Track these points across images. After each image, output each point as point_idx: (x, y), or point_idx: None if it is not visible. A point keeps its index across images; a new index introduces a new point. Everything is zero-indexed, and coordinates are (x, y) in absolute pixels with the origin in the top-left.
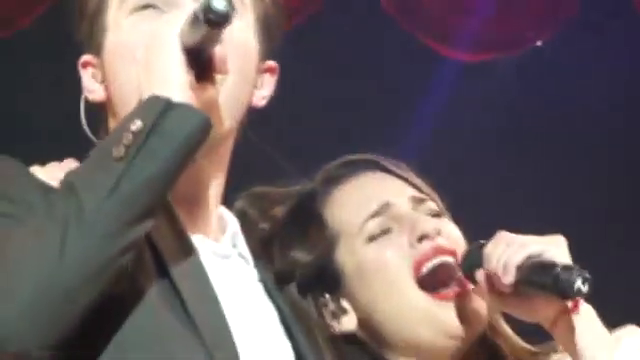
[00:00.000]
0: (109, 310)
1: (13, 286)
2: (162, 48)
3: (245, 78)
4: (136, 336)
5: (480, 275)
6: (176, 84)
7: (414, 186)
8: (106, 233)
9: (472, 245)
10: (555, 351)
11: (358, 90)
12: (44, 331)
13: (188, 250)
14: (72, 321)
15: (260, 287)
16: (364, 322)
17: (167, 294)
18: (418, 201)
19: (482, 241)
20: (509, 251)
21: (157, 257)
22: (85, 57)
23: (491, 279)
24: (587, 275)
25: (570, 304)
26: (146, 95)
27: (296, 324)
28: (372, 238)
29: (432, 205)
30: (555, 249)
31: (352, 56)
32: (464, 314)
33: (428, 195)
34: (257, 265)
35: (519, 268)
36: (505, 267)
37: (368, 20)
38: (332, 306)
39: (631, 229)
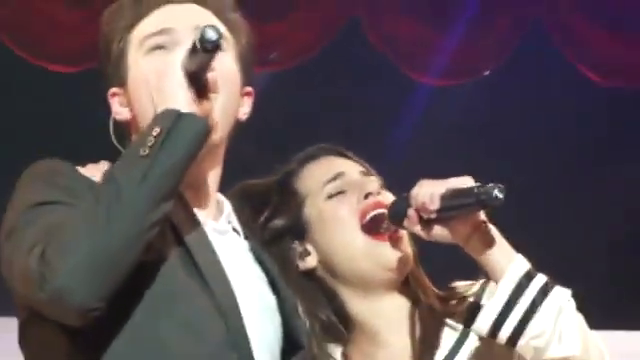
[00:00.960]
0: (142, 271)
1: (72, 255)
2: (169, 74)
3: (232, 97)
4: (164, 291)
5: (411, 212)
6: (182, 100)
7: (364, 167)
8: (139, 210)
9: (396, 198)
10: (459, 294)
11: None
12: (97, 288)
13: (198, 227)
14: (119, 277)
15: (250, 255)
16: (323, 260)
17: (185, 261)
18: (366, 174)
19: (404, 194)
20: (432, 187)
21: (175, 233)
22: (113, 89)
23: (418, 213)
24: (501, 185)
25: (481, 221)
26: (159, 109)
27: (282, 287)
28: (330, 196)
29: (377, 179)
30: (467, 182)
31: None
32: (395, 252)
33: (374, 175)
34: (247, 237)
35: (442, 197)
36: (431, 197)
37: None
38: (299, 249)
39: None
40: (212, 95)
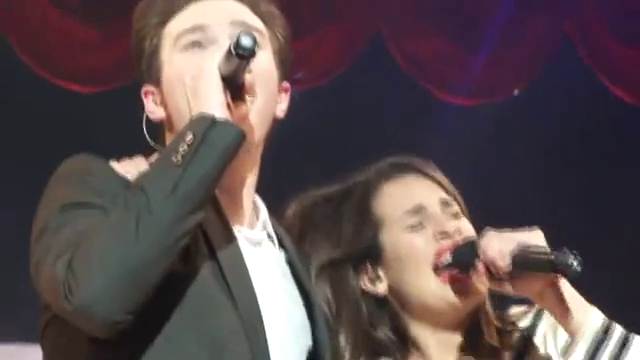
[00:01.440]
0: (171, 281)
1: (100, 267)
2: (205, 78)
3: (270, 97)
4: (191, 304)
5: (480, 265)
6: (217, 104)
7: (443, 187)
8: (168, 222)
9: (460, 243)
10: (517, 319)
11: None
12: (124, 301)
13: (231, 239)
14: (146, 290)
15: (285, 268)
16: (393, 289)
17: (215, 274)
18: (445, 204)
19: (470, 239)
20: (501, 243)
21: (207, 243)
22: (146, 87)
23: (487, 266)
24: (579, 256)
25: (553, 278)
26: (194, 113)
27: (317, 304)
28: (408, 229)
29: (455, 207)
30: (536, 239)
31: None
32: (466, 293)
33: (453, 196)
34: (282, 245)
35: (513, 257)
36: (502, 255)
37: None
38: (371, 272)
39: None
40: (249, 98)
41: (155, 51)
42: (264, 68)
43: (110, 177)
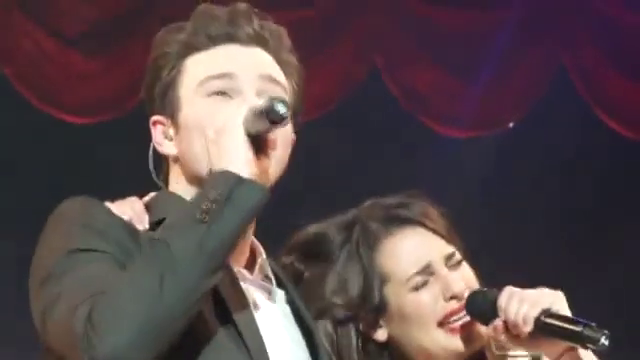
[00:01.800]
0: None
1: (122, 323)
2: (230, 134)
3: (287, 151)
4: (201, 347)
5: (498, 323)
6: (243, 161)
7: (443, 237)
8: (192, 282)
9: (476, 290)
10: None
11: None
12: (145, 354)
13: (235, 283)
14: (166, 344)
15: (288, 309)
16: (393, 339)
17: (222, 318)
18: (449, 257)
19: (485, 289)
20: (525, 306)
21: (216, 293)
22: (157, 117)
23: (507, 325)
24: (606, 331)
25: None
26: (217, 167)
27: (321, 342)
28: (414, 289)
29: (458, 256)
30: (559, 303)
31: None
32: (470, 340)
33: (453, 243)
34: (280, 284)
35: (536, 321)
36: (525, 319)
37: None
38: (371, 320)
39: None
40: (272, 152)
41: (173, 83)
42: (281, 132)
43: (111, 221)
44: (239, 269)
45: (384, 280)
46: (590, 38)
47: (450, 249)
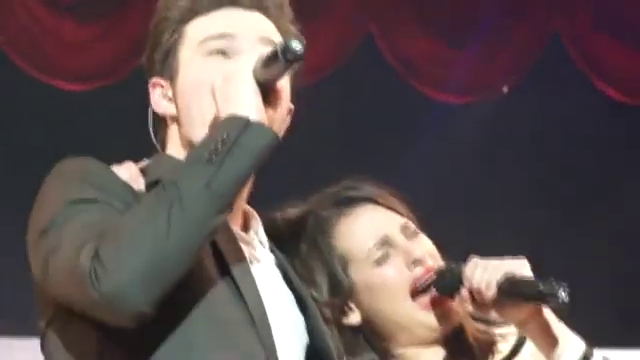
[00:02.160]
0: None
1: (131, 257)
2: (240, 81)
3: (284, 114)
4: (199, 297)
5: (464, 293)
6: (252, 106)
7: (396, 211)
8: (200, 218)
9: (443, 268)
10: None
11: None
12: (151, 292)
13: (230, 236)
14: (173, 283)
15: (278, 272)
16: (367, 320)
17: (220, 269)
18: (404, 228)
19: (452, 265)
20: (488, 273)
21: (213, 243)
22: (156, 79)
23: (472, 294)
24: (566, 286)
25: (537, 308)
26: (225, 114)
27: (310, 304)
28: (376, 263)
29: (413, 226)
30: (522, 269)
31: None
32: (445, 315)
33: (408, 217)
34: (273, 251)
35: (499, 286)
36: (488, 285)
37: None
38: (342, 306)
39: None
40: (278, 104)
41: (173, 47)
42: (283, 86)
43: (110, 176)
44: (236, 229)
45: (346, 262)
46: (584, 3)
47: (404, 220)
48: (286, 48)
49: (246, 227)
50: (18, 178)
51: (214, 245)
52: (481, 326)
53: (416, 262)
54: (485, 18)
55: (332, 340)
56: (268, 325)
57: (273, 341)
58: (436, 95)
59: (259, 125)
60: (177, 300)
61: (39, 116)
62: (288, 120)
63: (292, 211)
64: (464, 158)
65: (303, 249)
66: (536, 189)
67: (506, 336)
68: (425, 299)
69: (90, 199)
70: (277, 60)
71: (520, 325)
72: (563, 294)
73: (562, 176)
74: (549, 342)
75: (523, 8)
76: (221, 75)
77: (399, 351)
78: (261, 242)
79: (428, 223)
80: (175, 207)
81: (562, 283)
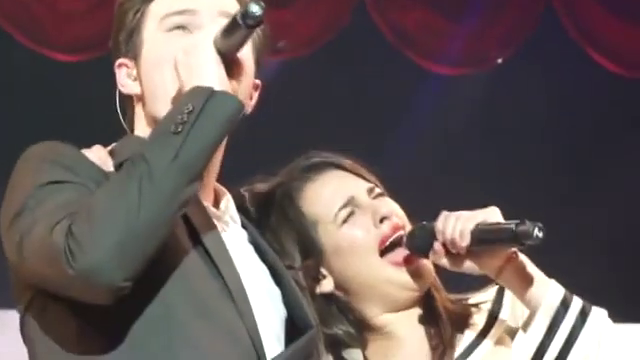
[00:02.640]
0: (161, 253)
1: (104, 233)
2: (201, 52)
3: (247, 88)
4: (176, 271)
5: (437, 246)
6: (216, 77)
7: (364, 178)
8: (171, 189)
9: (413, 227)
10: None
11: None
12: (127, 267)
13: (203, 211)
14: (148, 256)
15: (250, 247)
16: (339, 284)
17: (195, 243)
18: (370, 190)
19: (422, 223)
20: (461, 222)
21: (185, 218)
22: (121, 60)
23: (445, 247)
24: (540, 224)
25: (512, 253)
26: (188, 86)
27: (285, 275)
28: (344, 222)
29: (379, 189)
30: (495, 217)
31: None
32: (416, 273)
33: (374, 182)
34: (245, 226)
35: (472, 234)
36: (461, 234)
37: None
38: (313, 273)
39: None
40: (241, 76)
41: (137, 27)
42: (246, 55)
43: (79, 157)
44: (207, 205)
45: (314, 225)
46: None
47: (370, 184)
48: (245, 13)
49: (217, 203)
50: (13, 149)
51: (187, 220)
52: (456, 297)
53: (383, 219)
54: None
55: (310, 308)
56: (246, 299)
57: (253, 315)
58: (431, 66)
59: (223, 94)
60: (153, 276)
61: (29, 86)
62: (256, 95)
63: (261, 185)
64: (461, 131)
65: (273, 220)
66: (527, 159)
67: (480, 306)
68: (395, 256)
69: (62, 181)
70: (238, 27)
71: (496, 274)
72: (536, 230)
73: (560, 152)
74: (527, 288)
75: None
76: (182, 49)
77: (371, 316)
78: (232, 218)
79: (425, 194)
80: (145, 180)
81: (537, 223)
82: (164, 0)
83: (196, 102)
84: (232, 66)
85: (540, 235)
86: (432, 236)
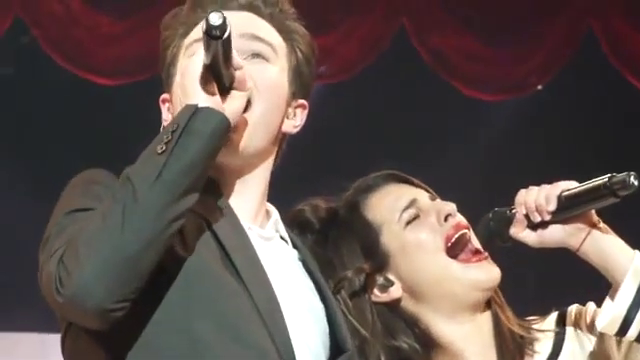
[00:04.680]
0: (178, 270)
1: (88, 257)
2: (189, 71)
3: (274, 107)
4: (200, 290)
5: (519, 216)
6: (198, 93)
7: (425, 190)
8: (154, 209)
9: (482, 220)
10: (532, 325)
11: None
12: (113, 289)
13: (238, 230)
14: (138, 276)
15: (298, 264)
16: (408, 288)
17: (224, 262)
18: (432, 198)
19: (489, 214)
20: (543, 189)
21: (217, 239)
22: (163, 96)
23: (528, 216)
24: (633, 173)
25: (596, 220)
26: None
27: (330, 296)
28: (408, 223)
29: (436, 196)
30: (574, 185)
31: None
32: (484, 271)
33: (433, 194)
34: (296, 247)
35: (558, 198)
36: (547, 198)
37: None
38: (381, 280)
39: None
40: (238, 93)
41: (173, 61)
42: (268, 78)
43: (114, 185)
44: (250, 225)
45: (379, 228)
46: (619, 2)
47: (430, 194)
48: (207, 27)
49: (266, 224)
50: (54, 174)
51: (217, 239)
52: (520, 321)
53: (447, 216)
54: (520, 15)
55: (347, 332)
56: (279, 319)
57: (286, 336)
58: (470, 92)
59: (206, 109)
60: (181, 304)
61: (71, 109)
62: (301, 115)
63: (325, 203)
64: (495, 154)
65: (335, 233)
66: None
67: (545, 333)
68: (462, 254)
69: (85, 208)
70: (210, 42)
71: (580, 244)
72: (633, 180)
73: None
74: (612, 256)
75: (558, 5)
76: (180, 72)
77: (437, 328)
78: (282, 238)
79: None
80: (128, 201)
81: (629, 172)
82: (195, 32)
83: (181, 120)
84: (229, 81)
85: (636, 183)
86: (508, 219)
